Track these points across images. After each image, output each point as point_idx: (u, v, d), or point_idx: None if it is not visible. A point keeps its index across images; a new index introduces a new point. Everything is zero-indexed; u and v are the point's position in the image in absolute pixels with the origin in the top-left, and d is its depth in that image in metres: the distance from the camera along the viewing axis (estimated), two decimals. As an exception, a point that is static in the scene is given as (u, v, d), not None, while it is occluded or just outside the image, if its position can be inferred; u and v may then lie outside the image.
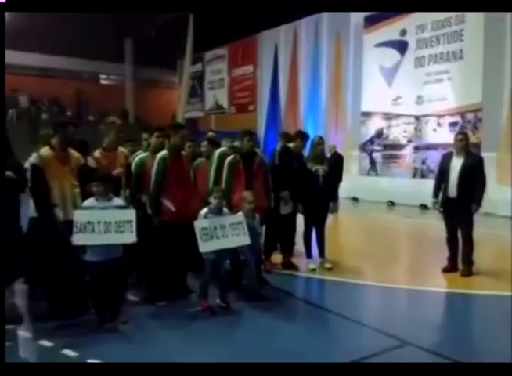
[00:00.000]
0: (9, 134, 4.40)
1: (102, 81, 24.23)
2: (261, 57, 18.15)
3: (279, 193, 5.67)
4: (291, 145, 6.00)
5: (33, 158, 4.26)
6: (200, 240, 4.24)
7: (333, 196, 5.98)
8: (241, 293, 4.76)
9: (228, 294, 4.55)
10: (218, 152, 5.49)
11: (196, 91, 21.62)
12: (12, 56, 19.74)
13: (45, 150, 4.31)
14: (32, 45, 19.95)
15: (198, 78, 21.44)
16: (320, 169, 5.79)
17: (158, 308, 4.48)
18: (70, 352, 3.47)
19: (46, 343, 3.64)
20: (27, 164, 4.47)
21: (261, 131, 16.78)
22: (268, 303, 4.65)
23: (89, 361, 3.32)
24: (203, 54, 20.82)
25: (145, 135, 5.60)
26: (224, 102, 20.29)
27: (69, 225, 3.93)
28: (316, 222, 5.90)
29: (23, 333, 3.86)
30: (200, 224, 4.30)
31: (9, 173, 4.09)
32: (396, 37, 13.14)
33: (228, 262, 4.72)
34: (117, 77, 23.98)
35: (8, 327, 3.89)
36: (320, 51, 15.41)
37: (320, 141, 5.93)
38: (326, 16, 15.04)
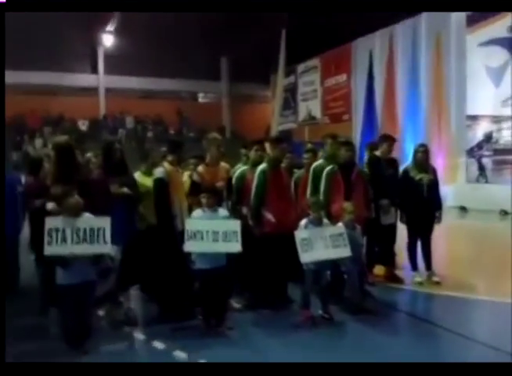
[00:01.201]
0: (123, 153, 4.81)
1: (201, 100, 25.49)
2: (355, 65, 17.90)
3: (379, 203, 5.53)
4: (378, 152, 5.86)
5: (159, 173, 4.58)
6: (301, 250, 4.26)
7: (439, 205, 5.69)
8: (344, 305, 4.69)
9: (331, 305, 4.51)
10: (314, 165, 5.48)
11: (290, 103, 21.87)
12: (118, 81, 21.75)
13: (167, 166, 4.65)
14: (136, 70, 21.66)
15: (291, 91, 21.69)
16: (424, 178, 5.56)
17: (261, 316, 4.58)
18: (181, 354, 3.66)
19: (159, 345, 3.88)
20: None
21: (356, 141, 16.44)
22: (372, 317, 4.51)
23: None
24: (295, 66, 21.06)
25: (243, 151, 5.79)
26: (317, 112, 20.28)
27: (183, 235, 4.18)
28: (421, 233, 5.64)
29: (138, 335, 4.15)
30: (300, 234, 4.33)
31: (125, 189, 4.47)
32: (503, 34, 12.20)
33: (328, 272, 4.68)
34: (214, 95, 25.07)
35: (125, 329, 4.25)
36: (418, 54, 14.80)
37: (422, 148, 5.70)
38: (424, 18, 14.43)
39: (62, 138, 4.41)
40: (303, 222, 4.49)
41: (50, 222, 3.67)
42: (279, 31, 18.74)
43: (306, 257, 4.28)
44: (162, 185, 4.52)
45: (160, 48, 21.24)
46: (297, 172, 5.72)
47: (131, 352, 3.86)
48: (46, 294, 4.40)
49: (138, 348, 3.99)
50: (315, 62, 20.18)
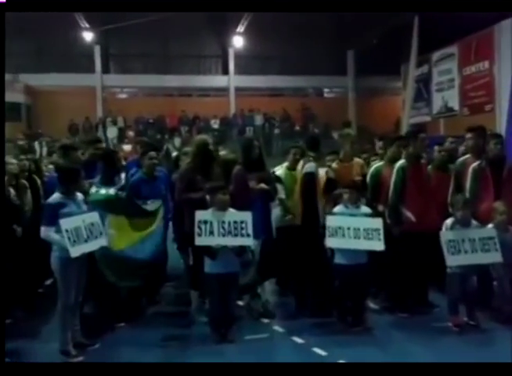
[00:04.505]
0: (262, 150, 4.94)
1: (326, 95, 25.30)
2: (498, 51, 16.23)
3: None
4: None
5: (310, 168, 4.65)
6: (447, 252, 4.02)
7: None
8: (493, 313, 4.31)
9: (478, 313, 4.19)
10: (459, 160, 5.10)
11: (422, 94, 20.60)
12: (247, 80, 22.63)
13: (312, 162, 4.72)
14: (263, 68, 22.34)
15: (424, 81, 20.41)
16: None
17: (400, 319, 4.42)
18: (320, 351, 3.70)
19: (298, 340, 3.96)
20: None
21: (501, 134, 14.90)
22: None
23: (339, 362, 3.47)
24: (429, 55, 19.78)
25: (379, 144, 5.61)
26: (454, 103, 18.80)
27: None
28: None
29: (277, 328, 4.27)
30: (446, 236, 4.07)
31: (263, 185, 4.61)
32: None
33: (475, 278, 4.33)
34: (340, 90, 24.71)
35: (264, 320, 4.41)
36: None
37: None
38: None
39: (202, 137, 4.80)
40: (449, 221, 4.22)
41: (200, 215, 3.95)
42: (411, 18, 17.74)
43: (453, 260, 4.02)
44: (312, 179, 4.58)
45: (286, 46, 21.61)
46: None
47: (269, 345, 3.96)
48: (190, 282, 4.70)
49: (277, 341, 4.06)
50: (452, 49, 18.72)
